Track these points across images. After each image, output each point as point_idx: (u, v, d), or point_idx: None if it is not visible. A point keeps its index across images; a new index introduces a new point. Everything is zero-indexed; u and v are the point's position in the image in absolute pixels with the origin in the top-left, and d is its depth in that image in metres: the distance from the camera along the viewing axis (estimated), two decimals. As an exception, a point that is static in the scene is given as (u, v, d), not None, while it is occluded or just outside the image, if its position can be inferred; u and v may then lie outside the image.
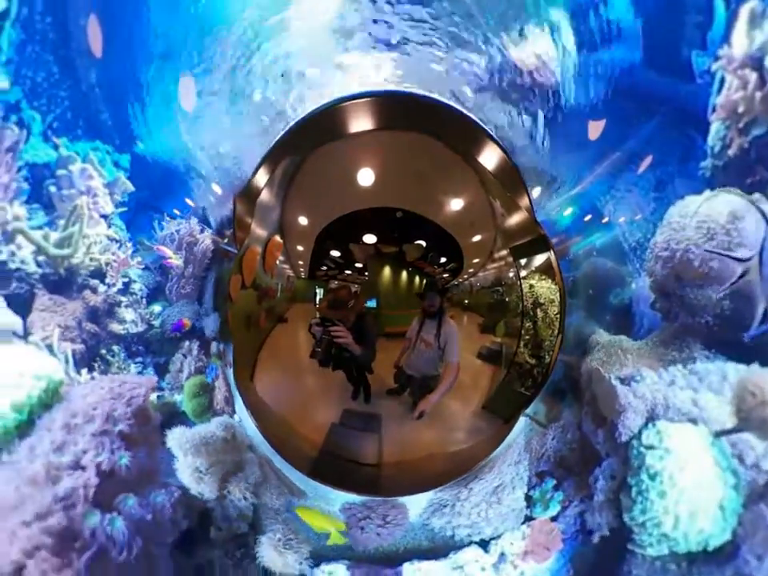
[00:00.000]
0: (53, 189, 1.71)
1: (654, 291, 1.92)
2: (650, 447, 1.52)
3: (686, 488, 1.40)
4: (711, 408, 1.55)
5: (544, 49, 1.85)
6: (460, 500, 1.83)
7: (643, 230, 2.11)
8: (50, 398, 1.43)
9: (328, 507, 1.86)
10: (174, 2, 1.72)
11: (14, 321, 1.51)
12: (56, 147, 1.71)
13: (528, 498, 1.83)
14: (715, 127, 1.84)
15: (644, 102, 1.87)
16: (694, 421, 1.56)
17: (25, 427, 1.36)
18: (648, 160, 1.97)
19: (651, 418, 1.61)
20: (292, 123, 1.88)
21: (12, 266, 1.54)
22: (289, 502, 1.86)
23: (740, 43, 1.70)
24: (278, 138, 1.88)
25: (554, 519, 1.77)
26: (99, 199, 1.82)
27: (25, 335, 1.51)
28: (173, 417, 1.86)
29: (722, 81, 1.77)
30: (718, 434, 1.51)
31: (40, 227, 1.64)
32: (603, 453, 1.74)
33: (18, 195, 1.55)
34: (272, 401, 1.91)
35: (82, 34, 1.56)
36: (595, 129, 1.88)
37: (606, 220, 2.14)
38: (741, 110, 1.78)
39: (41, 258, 1.61)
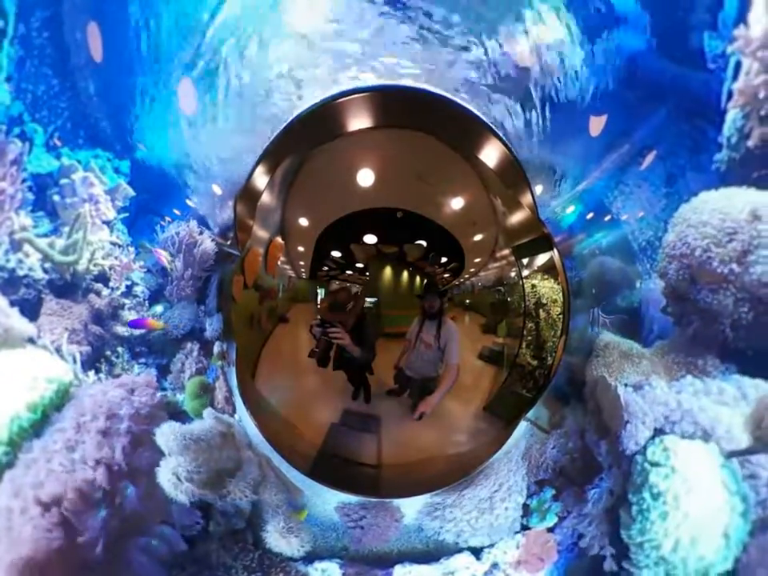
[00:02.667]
0: (56, 198, 1.84)
1: (666, 295, 1.87)
2: (656, 464, 1.48)
3: (690, 511, 1.36)
4: (725, 425, 1.49)
5: (544, 36, 1.80)
6: (452, 506, 1.87)
7: (653, 228, 2.04)
8: (61, 399, 1.57)
9: (324, 506, 1.94)
10: (167, 7, 1.77)
11: (29, 328, 1.64)
12: (59, 156, 1.84)
13: (525, 506, 1.85)
14: (731, 116, 1.74)
15: (651, 90, 1.80)
16: (704, 438, 1.50)
17: (39, 426, 1.50)
18: (651, 155, 1.90)
19: (659, 431, 1.57)
20: (289, 120, 1.92)
21: (20, 272, 1.67)
22: (286, 499, 1.95)
23: (758, 22, 1.60)
24: (275, 135, 1.92)
25: (550, 530, 1.78)
26: (101, 206, 1.93)
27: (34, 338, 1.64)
28: (175, 415, 1.98)
29: (738, 65, 1.68)
30: (730, 455, 1.46)
31: (45, 235, 1.77)
32: (605, 465, 1.72)
33: (24, 205, 1.68)
34: (273, 400, 1.98)
35: (78, 47, 1.65)
36: (597, 124, 1.82)
37: (608, 217, 2.08)
38: (762, 95, 1.69)
39: (47, 265, 1.74)
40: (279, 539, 1.71)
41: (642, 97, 1.83)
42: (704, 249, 1.65)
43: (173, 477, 1.55)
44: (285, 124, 1.94)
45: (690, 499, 1.37)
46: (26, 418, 1.46)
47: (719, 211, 1.65)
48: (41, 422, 1.50)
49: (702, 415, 1.52)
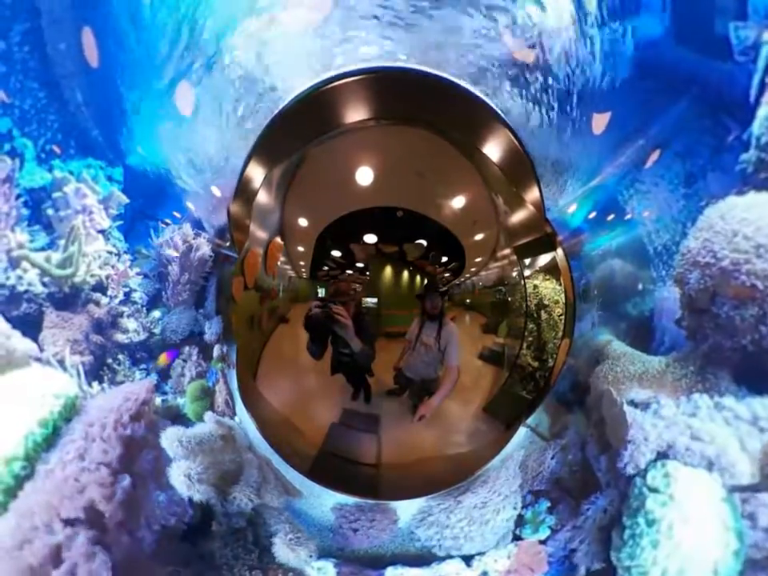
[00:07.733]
0: (50, 212, 1.93)
1: (683, 306, 1.79)
2: (654, 490, 1.47)
3: (683, 542, 1.36)
4: (732, 455, 1.45)
5: (554, 21, 1.68)
6: (446, 512, 1.94)
7: (671, 231, 1.94)
8: (69, 412, 1.71)
9: (321, 507, 2.06)
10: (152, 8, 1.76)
11: (31, 347, 1.75)
12: (51, 169, 1.91)
13: (519, 517, 1.90)
14: (763, 112, 1.60)
15: (670, 81, 1.66)
16: (709, 467, 1.48)
17: (51, 439, 1.65)
18: (656, 154, 1.77)
19: (662, 455, 1.56)
20: (281, 107, 1.91)
21: (21, 288, 1.79)
22: (288, 502, 2.08)
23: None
24: (266, 125, 1.93)
25: (542, 542, 1.82)
26: (95, 216, 2.01)
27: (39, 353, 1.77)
28: (176, 419, 2.12)
29: (774, 55, 1.52)
30: (733, 489, 1.44)
31: (43, 248, 1.88)
32: (603, 483, 1.75)
33: (19, 221, 1.77)
34: (274, 400, 2.07)
35: (63, 57, 1.67)
36: (600, 122, 1.71)
37: (620, 217, 1.99)
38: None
39: (46, 279, 1.85)
40: (288, 552, 1.83)
41: (658, 88, 1.70)
42: (733, 262, 1.54)
43: (185, 479, 1.70)
44: (276, 111, 1.93)
45: (685, 530, 1.37)
46: (39, 434, 1.61)
47: (751, 222, 1.54)
48: (53, 436, 1.66)
49: (709, 442, 1.50)
